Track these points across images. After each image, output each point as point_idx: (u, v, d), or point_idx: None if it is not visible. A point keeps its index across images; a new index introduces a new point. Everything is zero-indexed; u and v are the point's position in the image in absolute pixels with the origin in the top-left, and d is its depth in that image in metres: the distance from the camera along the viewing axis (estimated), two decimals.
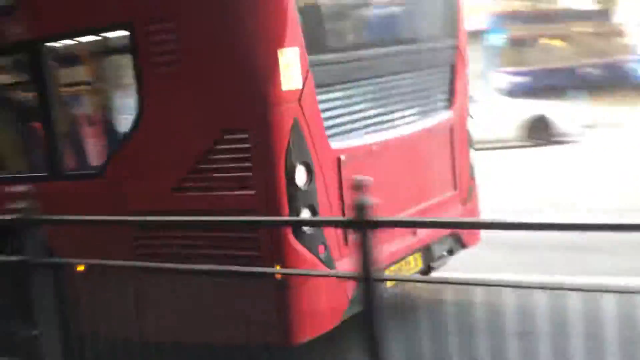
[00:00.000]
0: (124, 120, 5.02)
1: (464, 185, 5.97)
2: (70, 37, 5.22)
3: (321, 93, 4.56)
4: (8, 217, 3.89)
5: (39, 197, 4.33)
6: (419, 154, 5.45)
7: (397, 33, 5.70)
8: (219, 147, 4.43)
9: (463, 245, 5.93)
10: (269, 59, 4.26)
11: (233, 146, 4.39)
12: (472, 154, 6.14)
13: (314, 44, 4.50)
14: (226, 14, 4.36)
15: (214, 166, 4.49)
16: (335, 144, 4.68)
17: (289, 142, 4.30)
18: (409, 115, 5.50)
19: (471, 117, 6.18)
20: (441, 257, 5.74)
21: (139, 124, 4.76)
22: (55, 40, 5.26)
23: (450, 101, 5.94)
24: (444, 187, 5.77)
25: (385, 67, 5.23)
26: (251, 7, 4.34)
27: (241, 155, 4.38)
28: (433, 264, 5.67)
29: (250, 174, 4.36)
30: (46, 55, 5.19)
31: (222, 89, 4.41)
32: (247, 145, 4.35)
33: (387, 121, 5.25)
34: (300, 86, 4.37)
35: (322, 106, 4.58)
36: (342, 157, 4.68)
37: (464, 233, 5.77)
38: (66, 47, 5.36)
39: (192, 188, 4.57)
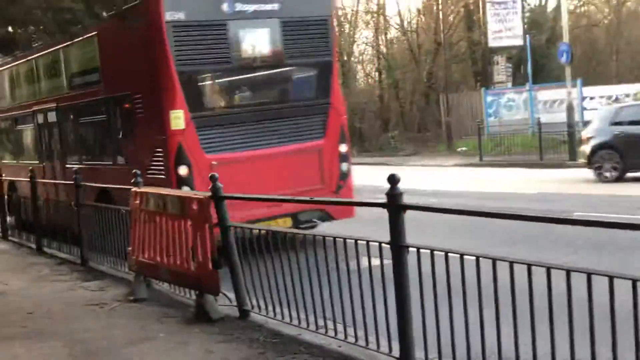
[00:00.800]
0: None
1: (333, 182, 10.05)
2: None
3: (200, 129, 9.30)
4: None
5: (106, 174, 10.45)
6: (286, 162, 9.63)
7: (273, 97, 10.46)
8: (154, 154, 9.56)
9: (332, 218, 9.73)
10: (168, 116, 9.20)
11: (158, 154, 9.51)
12: (344, 163, 10.23)
13: (193, 107, 9.33)
14: (157, 100, 9.41)
15: (153, 163, 9.58)
16: (210, 155, 9.26)
17: (176, 154, 9.16)
18: (281, 141, 9.80)
19: (345, 143, 10.28)
20: (309, 222, 9.69)
21: (131, 137, 10.30)
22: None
23: (323, 134, 10.17)
24: (312, 182, 9.69)
25: (259, 115, 9.79)
26: (163, 97, 9.31)
27: (161, 158, 9.46)
28: (301, 226, 9.36)
29: (163, 167, 9.41)
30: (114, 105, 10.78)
31: (156, 128, 9.47)
32: (162, 154, 9.43)
33: (257, 144, 9.67)
34: (183, 127, 9.21)
35: (201, 136, 9.28)
36: (214, 162, 9.01)
37: (334, 209, 9.61)
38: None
39: (148, 172, 9.30)
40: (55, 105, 12.51)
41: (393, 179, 4.59)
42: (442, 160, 25.70)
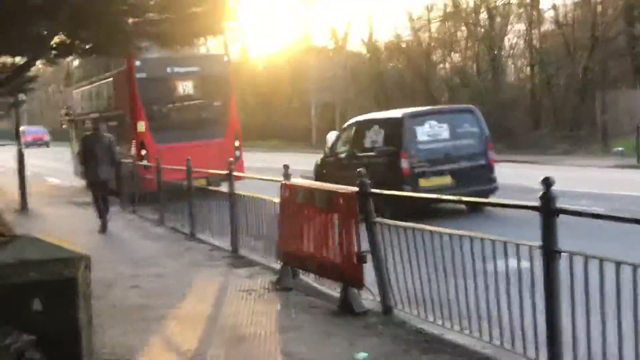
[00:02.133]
0: None
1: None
2: None
3: (153, 131, 17.30)
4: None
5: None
6: (202, 150, 16.06)
7: (194, 116, 18.19)
8: (132, 143, 17.50)
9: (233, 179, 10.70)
10: (136, 124, 17.32)
11: (133, 143, 17.39)
12: (237, 151, 17.77)
13: (149, 120, 17.41)
14: (132, 116, 17.62)
15: (132, 148, 17.39)
16: (159, 145, 16.73)
17: (139, 144, 17.12)
18: (199, 138, 17.18)
19: (238, 140, 18.23)
20: (216, 183, 14.10)
21: (123, 133, 17.79)
22: None
23: (223, 136, 18.03)
24: (218, 162, 12.95)
25: (186, 126, 17.69)
26: (134, 115, 17.47)
27: (134, 146, 17.32)
28: (211, 185, 13.50)
29: (136, 150, 17.08)
30: None
31: (132, 130, 17.53)
32: (135, 144, 17.34)
33: (185, 140, 16.92)
34: (144, 130, 17.27)
35: (153, 135, 17.26)
36: (160, 148, 16.25)
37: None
38: None
39: (130, 152, 17.23)
40: (98, 115, 19.79)
41: (548, 182, 4.47)
42: (595, 160, 24.55)
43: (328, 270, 7.16)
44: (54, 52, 10.35)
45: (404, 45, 42.17)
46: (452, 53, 40.94)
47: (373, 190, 6.65)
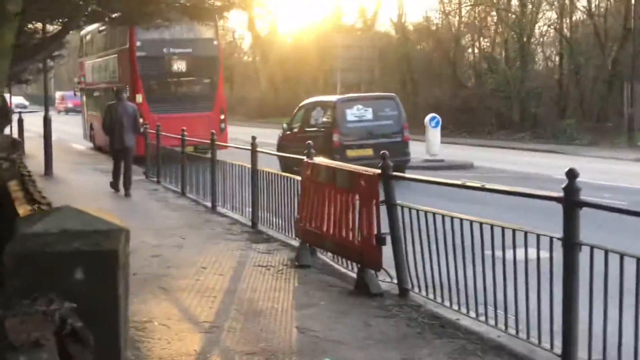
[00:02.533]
0: None
1: (216, 132, 13.77)
2: None
3: (149, 102, 20.03)
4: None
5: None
6: (192, 121, 18.45)
7: (186, 91, 21.40)
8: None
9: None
10: (135, 98, 19.19)
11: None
12: (222, 124, 20.86)
13: (146, 92, 20.31)
14: (132, 88, 20.09)
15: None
16: (153, 114, 19.40)
17: (136, 114, 14.44)
18: (189, 110, 20.16)
19: (223, 114, 21.32)
20: (204, 151, 13.90)
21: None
22: None
23: (211, 109, 20.94)
24: (205, 131, 14.44)
25: (179, 98, 20.91)
26: (134, 87, 20.18)
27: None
28: (199, 152, 14.42)
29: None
30: None
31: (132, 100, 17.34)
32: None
33: (177, 111, 19.99)
34: (141, 101, 19.55)
35: (150, 106, 19.96)
36: (156, 117, 18.80)
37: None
38: None
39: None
40: (105, 85, 23.25)
41: (572, 174, 4.47)
42: (621, 153, 24.30)
43: (346, 250, 7.20)
44: (84, 19, 10.43)
45: (433, 28, 41.82)
46: (481, 38, 40.57)
47: (395, 172, 6.66)
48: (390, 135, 16.35)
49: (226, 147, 14.26)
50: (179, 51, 20.79)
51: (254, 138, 10.24)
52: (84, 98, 27.31)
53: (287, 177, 9.09)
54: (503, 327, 5.34)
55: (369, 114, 16.52)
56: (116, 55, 21.79)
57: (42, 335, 1.20)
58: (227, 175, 11.55)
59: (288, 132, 18.14)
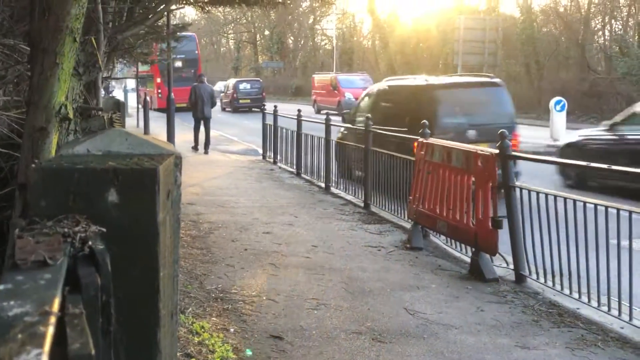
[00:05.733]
0: None
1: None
2: None
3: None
4: None
5: None
6: (185, 92, 23.78)
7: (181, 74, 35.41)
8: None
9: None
10: (155, 79, 38.68)
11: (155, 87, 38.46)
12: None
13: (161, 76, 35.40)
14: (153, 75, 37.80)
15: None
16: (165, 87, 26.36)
17: (157, 87, 38.46)
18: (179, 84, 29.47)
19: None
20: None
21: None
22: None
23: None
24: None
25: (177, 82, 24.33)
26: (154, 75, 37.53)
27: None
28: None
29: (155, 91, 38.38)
30: None
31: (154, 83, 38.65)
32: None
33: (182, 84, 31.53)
34: (159, 81, 37.16)
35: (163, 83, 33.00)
36: (164, 90, 30.12)
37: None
38: None
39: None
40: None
41: None
42: None
43: (460, 233, 6.95)
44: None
45: (561, 9, 40.09)
46: (613, 20, 38.52)
47: (514, 152, 6.34)
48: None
49: (341, 126, 13.59)
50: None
51: (368, 118, 10.11)
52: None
53: (401, 158, 8.89)
54: (627, 318, 4.97)
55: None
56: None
57: (53, 255, 1.09)
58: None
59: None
